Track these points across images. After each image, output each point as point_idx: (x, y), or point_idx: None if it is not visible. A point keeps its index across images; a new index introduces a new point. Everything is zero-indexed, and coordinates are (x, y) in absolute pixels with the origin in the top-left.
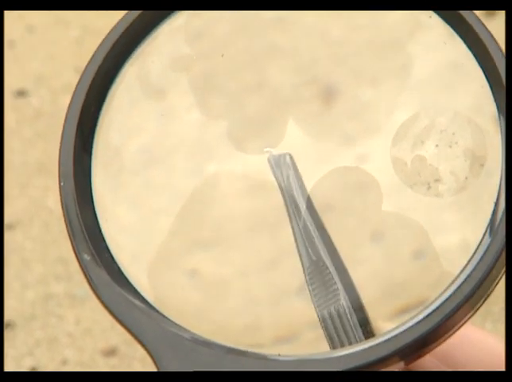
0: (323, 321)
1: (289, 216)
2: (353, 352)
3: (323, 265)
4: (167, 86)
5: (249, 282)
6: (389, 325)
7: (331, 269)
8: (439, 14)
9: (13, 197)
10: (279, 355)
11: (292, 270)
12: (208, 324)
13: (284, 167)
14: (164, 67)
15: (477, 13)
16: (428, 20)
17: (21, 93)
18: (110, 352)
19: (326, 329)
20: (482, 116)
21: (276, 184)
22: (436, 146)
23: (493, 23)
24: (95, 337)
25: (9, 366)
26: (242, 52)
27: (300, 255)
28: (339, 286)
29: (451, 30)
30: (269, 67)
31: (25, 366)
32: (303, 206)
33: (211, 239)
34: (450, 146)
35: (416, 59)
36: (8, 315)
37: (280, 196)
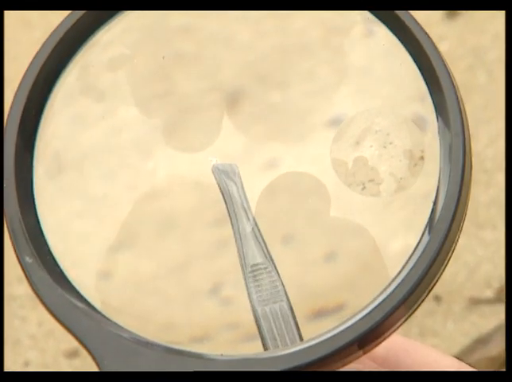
0: (260, 319)
1: (231, 219)
2: (293, 352)
3: (268, 266)
4: (105, 89)
5: (164, 283)
6: (308, 327)
7: (275, 270)
8: (373, 14)
9: None
10: (222, 355)
11: (204, 273)
12: (131, 323)
13: (229, 175)
14: (100, 70)
15: (438, 13)
16: (345, 19)
17: None
18: (73, 354)
19: (261, 328)
20: (419, 117)
21: (192, 183)
22: (371, 146)
23: (455, 24)
24: (57, 338)
25: None
26: (150, 59)
27: (242, 255)
28: (282, 287)
29: (371, 28)
30: (175, 74)
31: None
32: (249, 211)
33: (129, 241)
34: (385, 147)
35: (339, 59)
36: None
37: (194, 198)
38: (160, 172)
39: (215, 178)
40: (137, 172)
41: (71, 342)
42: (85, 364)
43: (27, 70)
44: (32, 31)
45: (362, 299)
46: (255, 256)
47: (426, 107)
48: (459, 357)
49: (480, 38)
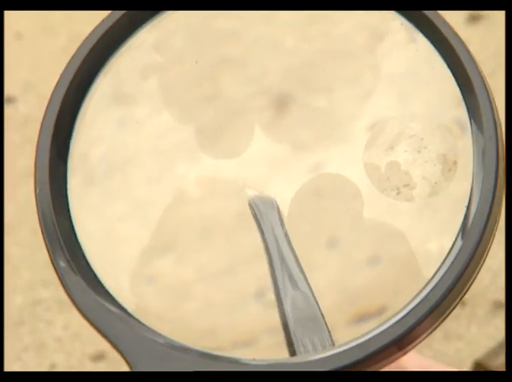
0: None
1: (269, 249)
2: (324, 357)
3: (308, 301)
4: (137, 94)
5: (207, 287)
6: (348, 332)
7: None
8: (404, 16)
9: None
10: (254, 359)
11: (249, 277)
12: (170, 327)
13: (267, 209)
14: (134, 77)
15: (460, 18)
16: (387, 26)
17: (9, 100)
18: (99, 357)
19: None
20: (453, 122)
21: (235, 190)
22: (405, 151)
23: (476, 28)
24: (83, 341)
25: None
26: (197, 64)
27: (282, 280)
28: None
29: (412, 35)
30: (222, 78)
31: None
32: (289, 243)
33: (170, 245)
34: (419, 151)
35: (380, 64)
36: None
37: (235, 203)
38: (202, 177)
39: (252, 212)
40: (177, 177)
41: (97, 345)
42: (110, 367)
43: (60, 77)
44: (55, 38)
45: (402, 302)
46: (297, 285)
47: (459, 113)
48: (483, 361)
49: (501, 43)
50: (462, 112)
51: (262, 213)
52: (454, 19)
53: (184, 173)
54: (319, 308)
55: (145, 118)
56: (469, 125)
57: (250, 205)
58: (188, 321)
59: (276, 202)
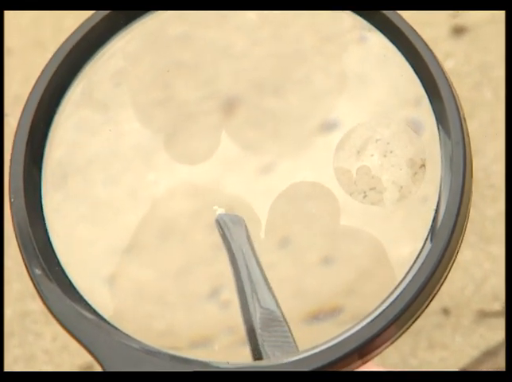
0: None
1: (235, 270)
2: (296, 360)
3: (276, 319)
4: (108, 100)
5: (163, 288)
6: (305, 330)
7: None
8: (361, 16)
9: None
10: (228, 363)
11: (203, 278)
12: (133, 328)
13: (236, 227)
14: (105, 82)
15: (444, 31)
16: (341, 26)
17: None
18: (88, 368)
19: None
20: (419, 125)
21: (189, 190)
22: (372, 155)
23: (461, 41)
24: (72, 353)
25: None
26: (150, 69)
27: (247, 307)
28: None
29: (364, 34)
30: (174, 82)
31: None
32: (256, 262)
33: (131, 247)
34: (385, 156)
35: (334, 65)
36: None
37: (192, 204)
38: (160, 178)
39: (219, 229)
40: (137, 178)
41: (85, 357)
42: None
43: (34, 86)
44: (45, 53)
45: (362, 305)
46: (266, 302)
47: (421, 112)
48: (467, 369)
49: (486, 55)
50: (425, 112)
51: (231, 232)
52: (438, 32)
53: (143, 175)
54: (283, 317)
55: (105, 122)
56: (436, 129)
57: (218, 223)
58: (147, 321)
59: (244, 220)
